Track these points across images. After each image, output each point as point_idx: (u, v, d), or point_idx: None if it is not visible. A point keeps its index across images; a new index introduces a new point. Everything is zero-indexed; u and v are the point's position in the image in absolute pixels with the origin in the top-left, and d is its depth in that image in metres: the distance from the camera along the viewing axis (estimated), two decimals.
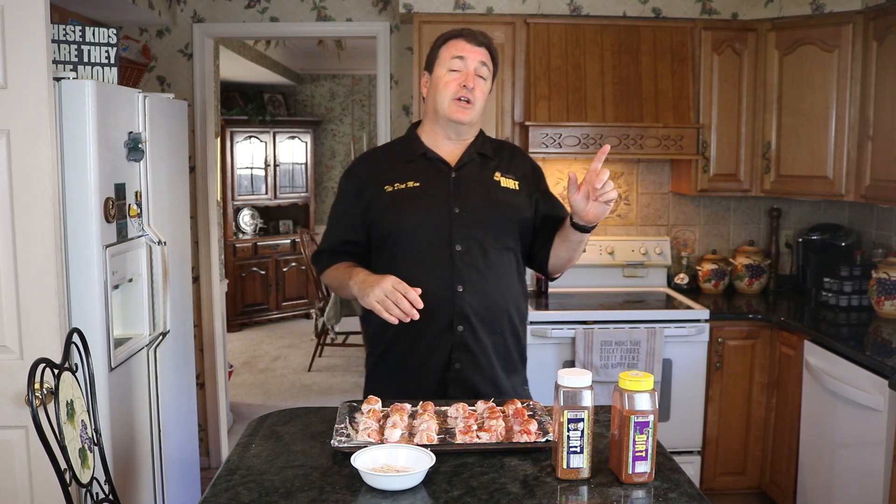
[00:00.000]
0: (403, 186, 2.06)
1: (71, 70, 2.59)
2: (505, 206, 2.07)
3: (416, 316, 1.84)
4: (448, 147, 2.12)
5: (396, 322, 1.84)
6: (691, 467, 3.55)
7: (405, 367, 2.08)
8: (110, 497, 2.07)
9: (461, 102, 2.04)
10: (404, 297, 1.82)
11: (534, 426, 1.70)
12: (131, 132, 2.64)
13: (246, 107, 7.54)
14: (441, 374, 2.04)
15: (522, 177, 2.14)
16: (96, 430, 2.09)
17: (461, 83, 2.03)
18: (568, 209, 2.08)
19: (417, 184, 2.06)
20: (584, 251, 2.30)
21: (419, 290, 1.84)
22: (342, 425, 1.74)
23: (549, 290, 3.88)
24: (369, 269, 2.05)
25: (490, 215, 2.05)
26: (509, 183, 2.10)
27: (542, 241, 2.15)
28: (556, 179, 3.99)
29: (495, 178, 2.10)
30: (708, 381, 3.53)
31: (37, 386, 1.89)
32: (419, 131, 2.17)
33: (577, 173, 1.94)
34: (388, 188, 2.07)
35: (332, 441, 1.66)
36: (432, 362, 2.04)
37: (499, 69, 2.16)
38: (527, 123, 3.53)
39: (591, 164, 1.87)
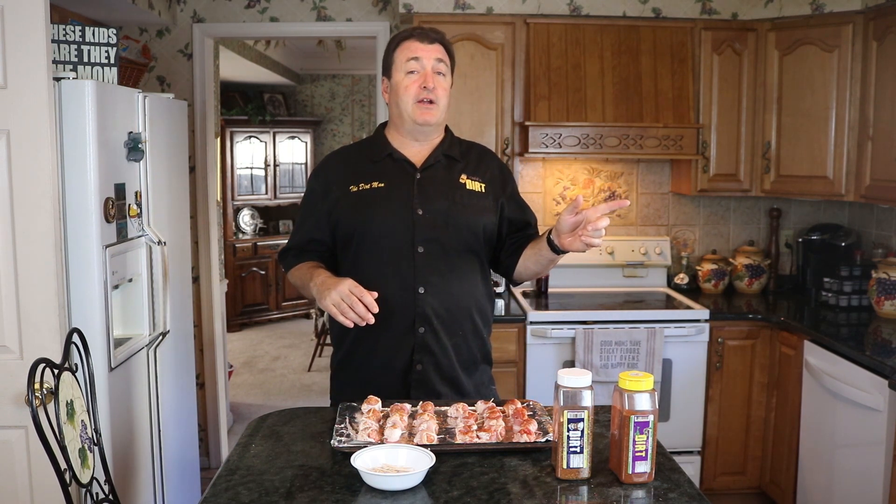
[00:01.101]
0: (368, 187, 2.05)
1: (71, 70, 2.59)
2: (469, 209, 2.06)
3: (371, 320, 1.82)
4: (415, 148, 2.11)
5: (351, 325, 1.83)
6: (691, 467, 3.55)
7: (368, 368, 2.07)
8: (110, 497, 2.08)
9: (424, 104, 2.02)
10: (360, 301, 1.81)
11: (534, 426, 1.70)
12: (131, 132, 2.64)
13: (246, 107, 7.54)
14: (403, 376, 2.04)
15: (490, 179, 2.13)
16: (96, 430, 2.09)
17: (421, 85, 2.02)
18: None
19: (382, 184, 2.05)
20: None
21: (375, 294, 1.83)
22: (342, 425, 1.74)
23: (549, 290, 3.88)
24: (335, 269, 2.07)
25: (453, 217, 2.03)
26: (475, 185, 2.09)
27: (510, 247, 2.14)
28: (556, 179, 3.99)
29: (461, 180, 2.09)
30: (708, 381, 3.53)
31: (37, 386, 1.89)
32: (387, 132, 2.15)
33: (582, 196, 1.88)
34: (353, 188, 2.06)
35: (332, 441, 1.66)
36: (394, 364, 2.04)
37: (455, 64, 2.14)
38: (527, 123, 3.53)
39: (607, 204, 1.79)
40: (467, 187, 2.08)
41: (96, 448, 2.07)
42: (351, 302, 1.81)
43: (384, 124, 2.20)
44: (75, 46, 2.61)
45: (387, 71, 2.10)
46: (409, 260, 2.01)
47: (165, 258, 2.81)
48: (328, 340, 6.29)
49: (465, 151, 2.16)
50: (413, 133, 2.09)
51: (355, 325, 1.84)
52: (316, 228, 2.12)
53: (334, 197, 2.08)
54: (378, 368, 2.05)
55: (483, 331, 2.15)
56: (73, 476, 1.86)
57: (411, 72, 2.03)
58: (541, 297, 3.81)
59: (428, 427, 1.68)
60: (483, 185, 2.11)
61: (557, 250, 1.92)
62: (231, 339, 6.48)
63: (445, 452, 1.64)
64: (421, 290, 2.00)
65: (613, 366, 3.37)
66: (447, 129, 2.18)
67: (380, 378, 2.05)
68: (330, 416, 1.89)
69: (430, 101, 2.02)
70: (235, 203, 7.53)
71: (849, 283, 3.57)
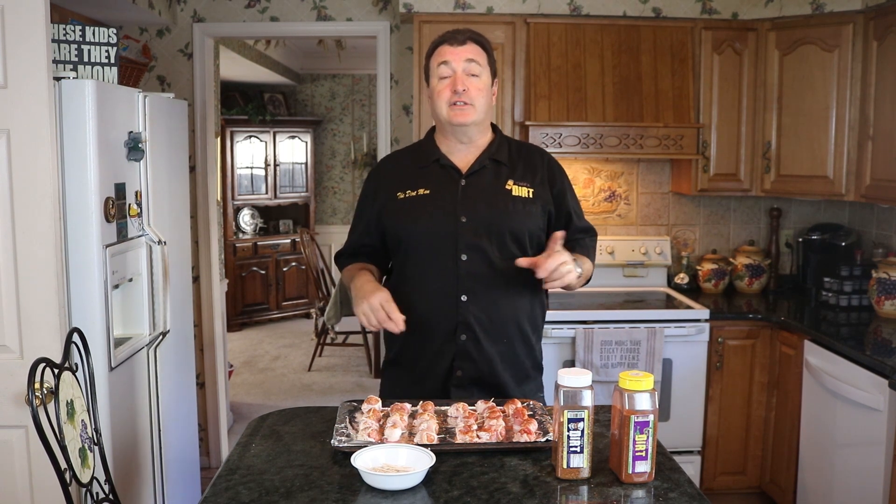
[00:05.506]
0: (414, 194, 2.07)
1: (71, 70, 2.59)
2: (513, 215, 2.04)
3: (396, 331, 1.89)
4: (462, 152, 2.11)
5: (377, 331, 1.92)
6: (691, 467, 3.55)
7: (413, 370, 2.10)
8: (110, 497, 2.08)
9: (457, 106, 2.03)
10: (388, 317, 1.88)
11: (534, 426, 1.70)
12: (131, 132, 2.64)
13: (246, 106, 7.54)
14: (444, 382, 2.06)
15: (539, 183, 2.11)
16: (96, 430, 2.09)
17: (451, 89, 2.03)
18: (582, 222, 2.14)
19: (427, 191, 2.06)
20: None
21: (402, 318, 1.88)
22: (342, 425, 1.74)
23: (549, 290, 3.87)
24: (387, 269, 2.19)
25: (496, 225, 2.02)
26: (522, 191, 2.07)
27: None
28: None
29: (507, 186, 2.07)
30: (708, 380, 3.53)
31: (37, 386, 1.89)
32: (436, 136, 2.16)
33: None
34: (401, 195, 2.08)
35: (332, 441, 1.66)
36: (436, 369, 2.06)
37: (495, 58, 2.13)
38: (527, 123, 3.53)
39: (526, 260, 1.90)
40: (513, 193, 2.07)
41: (96, 448, 2.07)
42: (379, 317, 1.88)
43: (435, 128, 2.20)
44: (75, 46, 2.61)
45: (427, 78, 2.13)
46: (453, 268, 2.01)
47: (165, 258, 2.81)
48: (328, 340, 6.31)
49: (514, 154, 2.14)
50: (455, 135, 2.09)
51: (378, 331, 2.01)
52: (366, 233, 2.18)
53: (381, 202, 2.12)
54: (421, 371, 2.08)
55: (532, 338, 2.13)
56: (74, 476, 1.86)
57: (443, 77, 2.05)
58: None
59: (428, 427, 1.68)
60: (531, 191, 2.08)
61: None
62: (231, 339, 6.48)
63: (445, 452, 1.64)
64: (463, 298, 2.01)
65: (613, 365, 3.37)
66: (496, 129, 2.17)
67: (423, 381, 2.07)
68: (330, 415, 1.89)
69: (464, 103, 2.03)
70: (235, 203, 7.53)
71: (849, 283, 3.57)
